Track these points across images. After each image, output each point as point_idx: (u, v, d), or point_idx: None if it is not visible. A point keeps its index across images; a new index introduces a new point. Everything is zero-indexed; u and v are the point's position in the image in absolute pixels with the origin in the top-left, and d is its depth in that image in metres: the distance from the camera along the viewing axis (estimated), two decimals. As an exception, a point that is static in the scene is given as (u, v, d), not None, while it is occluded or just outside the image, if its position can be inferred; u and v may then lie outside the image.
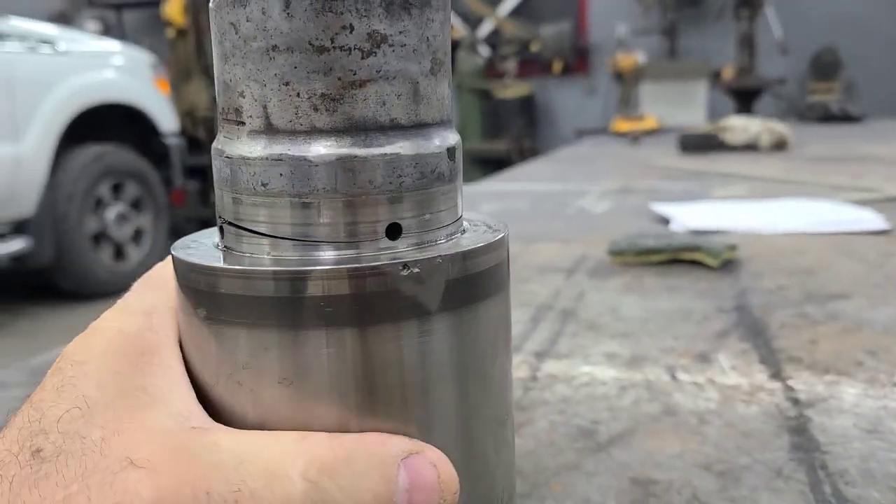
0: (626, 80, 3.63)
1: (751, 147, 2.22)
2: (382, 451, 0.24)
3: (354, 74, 0.24)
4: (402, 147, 0.26)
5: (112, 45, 4.13)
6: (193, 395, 0.26)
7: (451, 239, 0.28)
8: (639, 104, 3.76)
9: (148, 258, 4.01)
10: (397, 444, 0.24)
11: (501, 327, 0.29)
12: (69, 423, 0.24)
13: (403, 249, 0.26)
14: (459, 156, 0.28)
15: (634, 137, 2.84)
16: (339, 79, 0.24)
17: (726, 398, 0.54)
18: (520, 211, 1.41)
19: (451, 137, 0.28)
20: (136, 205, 3.97)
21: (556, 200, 1.47)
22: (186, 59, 5.33)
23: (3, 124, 3.18)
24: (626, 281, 0.86)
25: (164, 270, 0.30)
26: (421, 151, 0.26)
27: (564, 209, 1.37)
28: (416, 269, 0.25)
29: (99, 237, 3.75)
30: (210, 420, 0.25)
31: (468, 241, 0.28)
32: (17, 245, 3.35)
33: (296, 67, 0.24)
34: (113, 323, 0.28)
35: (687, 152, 2.24)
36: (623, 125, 3.26)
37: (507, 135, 5.87)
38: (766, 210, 1.25)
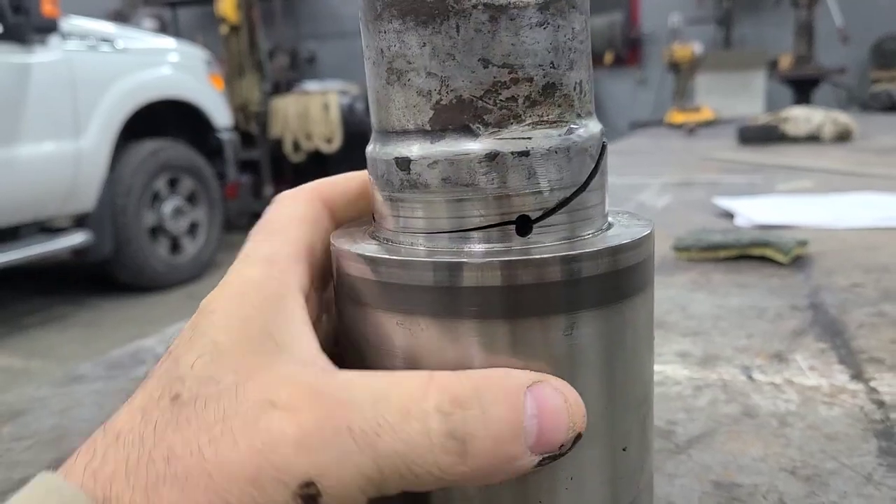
0: (682, 71, 3.56)
1: (813, 138, 2.16)
2: (508, 381, 0.25)
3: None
4: (369, 151, 0.29)
5: (167, 42, 4.21)
6: (317, 342, 0.27)
7: (598, 234, 0.29)
8: (694, 95, 3.69)
9: (203, 251, 4.09)
10: (521, 375, 0.25)
11: (646, 324, 0.29)
12: (202, 368, 0.25)
13: (554, 244, 0.27)
14: (413, 168, 0.27)
15: (690, 129, 2.79)
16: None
17: (807, 400, 0.53)
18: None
19: (412, 148, 0.27)
20: (191, 199, 4.05)
21: (615, 195, 1.45)
22: (240, 54, 5.40)
23: (65, 121, 3.27)
24: (694, 277, 0.84)
25: (277, 216, 0.31)
26: (374, 157, 0.29)
27: (625, 203, 1.35)
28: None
29: (156, 230, 3.84)
30: (334, 365, 0.26)
31: (617, 236, 0.28)
32: (78, 238, 3.44)
33: None
34: (237, 274, 0.28)
35: (747, 144, 2.19)
36: (679, 117, 3.20)
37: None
38: (835, 204, 1.21)
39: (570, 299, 0.26)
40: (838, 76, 4.42)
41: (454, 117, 0.26)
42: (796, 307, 0.72)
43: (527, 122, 0.27)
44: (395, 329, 0.27)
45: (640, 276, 0.28)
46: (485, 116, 0.26)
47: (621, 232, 0.29)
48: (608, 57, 6.32)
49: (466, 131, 0.26)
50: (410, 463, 0.23)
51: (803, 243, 0.89)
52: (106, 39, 3.57)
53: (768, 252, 0.88)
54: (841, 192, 1.32)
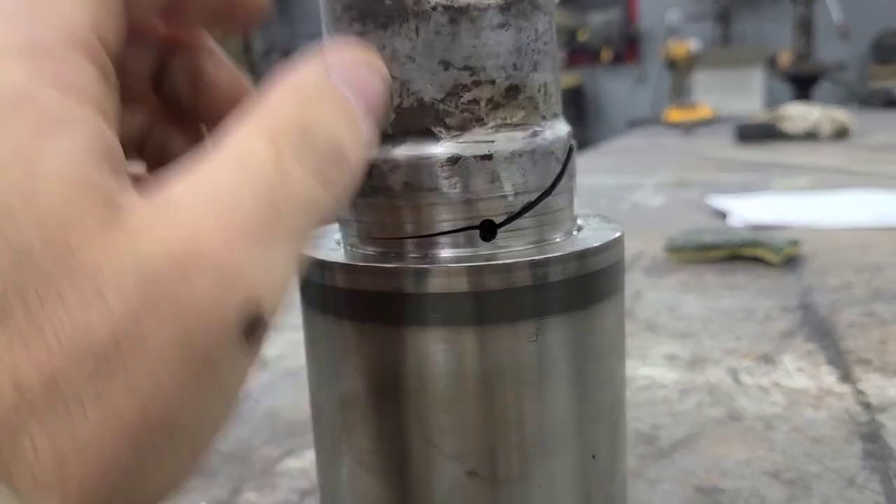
0: (679, 69, 3.55)
1: (811, 136, 2.16)
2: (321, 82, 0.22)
3: None
4: None
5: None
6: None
7: (568, 237, 0.28)
8: (692, 92, 3.68)
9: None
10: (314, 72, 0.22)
11: (616, 329, 0.29)
12: None
13: (521, 248, 0.27)
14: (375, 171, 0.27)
15: (687, 128, 2.78)
16: None
17: (793, 402, 0.52)
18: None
19: (373, 152, 0.27)
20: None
21: (609, 195, 1.45)
22: (234, 56, 5.39)
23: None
24: (685, 278, 0.84)
25: None
26: None
27: (619, 204, 1.35)
28: None
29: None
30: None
31: (585, 240, 0.28)
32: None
33: None
34: None
35: (744, 142, 2.19)
36: (676, 115, 3.19)
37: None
38: (829, 203, 1.21)
39: (537, 304, 0.26)
40: (837, 72, 4.40)
41: (415, 121, 0.26)
42: (786, 308, 0.72)
43: (489, 125, 0.26)
44: (359, 338, 0.27)
45: (609, 280, 0.28)
46: (446, 120, 0.26)
47: (590, 235, 0.29)
48: (606, 54, 6.31)
49: (428, 135, 0.26)
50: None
51: (795, 243, 0.89)
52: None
53: (760, 252, 0.88)
54: (836, 190, 1.31)
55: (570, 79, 6.21)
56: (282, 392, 0.59)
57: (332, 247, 0.30)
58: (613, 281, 0.28)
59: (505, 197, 0.27)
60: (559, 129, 0.28)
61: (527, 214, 0.27)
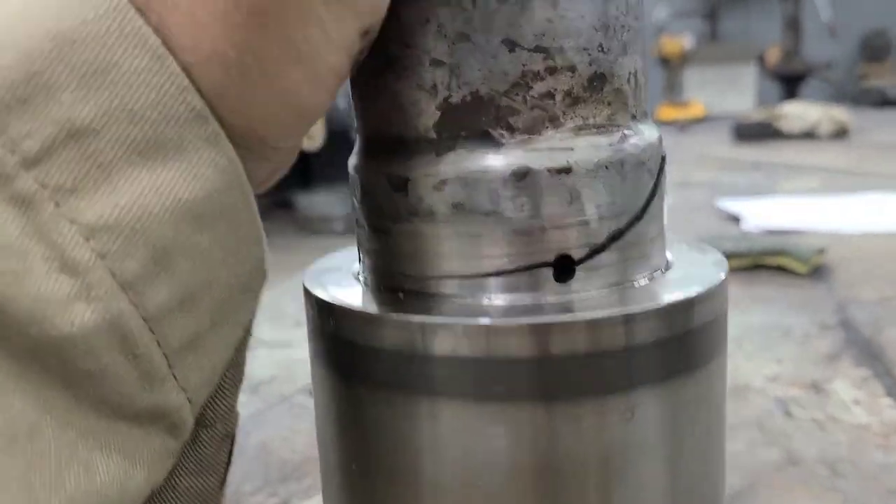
0: (672, 66, 3.51)
1: (808, 135, 2.11)
2: None
3: None
4: (352, 164, 0.23)
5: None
6: None
7: (653, 278, 0.22)
8: (683, 90, 3.64)
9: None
10: None
11: (721, 398, 0.22)
12: None
13: (600, 293, 0.20)
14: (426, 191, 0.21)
15: (681, 126, 2.74)
16: None
17: (856, 441, 0.46)
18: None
19: (411, 163, 0.20)
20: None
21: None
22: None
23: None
24: (707, 290, 0.78)
25: None
26: (359, 173, 0.23)
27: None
28: None
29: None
30: None
31: (685, 282, 0.21)
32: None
33: None
34: None
35: (742, 141, 2.14)
36: (668, 112, 3.15)
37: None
38: (846, 207, 1.15)
39: (630, 372, 0.19)
40: (825, 71, 4.39)
41: (469, 120, 0.20)
42: (825, 325, 0.66)
43: (567, 127, 0.20)
44: (382, 409, 0.20)
45: (716, 335, 0.22)
46: (511, 119, 0.19)
47: (687, 275, 0.22)
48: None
49: (486, 139, 0.20)
50: None
51: (821, 251, 0.83)
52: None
53: (785, 261, 0.82)
54: (849, 192, 1.26)
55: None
56: (274, 422, 0.52)
57: (348, 283, 0.23)
58: (720, 336, 0.22)
59: (587, 223, 0.20)
60: (650, 133, 0.22)
61: (610, 247, 0.21)
